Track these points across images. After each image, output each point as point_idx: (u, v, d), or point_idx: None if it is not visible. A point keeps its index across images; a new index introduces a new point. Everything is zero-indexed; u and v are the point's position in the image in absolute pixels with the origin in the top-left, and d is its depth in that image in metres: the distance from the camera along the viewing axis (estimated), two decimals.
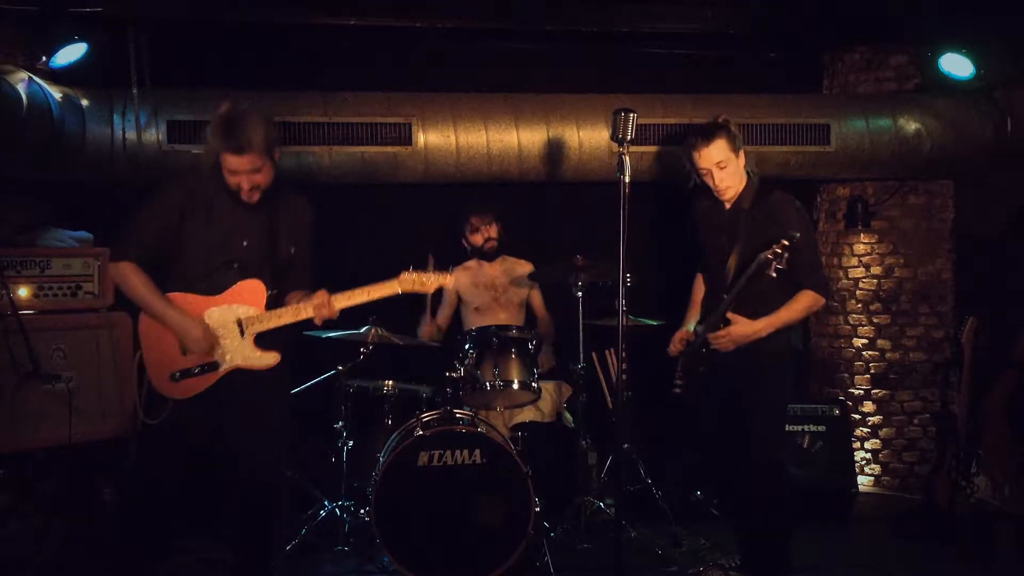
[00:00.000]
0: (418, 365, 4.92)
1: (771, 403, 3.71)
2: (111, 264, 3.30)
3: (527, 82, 5.24)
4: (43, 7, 4.29)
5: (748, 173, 3.72)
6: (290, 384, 3.58)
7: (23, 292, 4.04)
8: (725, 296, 3.57)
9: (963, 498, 4.50)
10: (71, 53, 4.44)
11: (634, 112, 3.23)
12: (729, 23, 5.02)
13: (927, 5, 4.84)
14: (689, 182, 3.81)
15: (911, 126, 5.15)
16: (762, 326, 3.54)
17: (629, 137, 3.22)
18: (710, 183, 3.67)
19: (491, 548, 3.90)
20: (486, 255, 4.95)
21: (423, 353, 4.86)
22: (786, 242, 3.35)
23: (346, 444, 4.42)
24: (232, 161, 3.18)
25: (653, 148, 4.98)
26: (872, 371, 5.69)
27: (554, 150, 4.93)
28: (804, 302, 3.59)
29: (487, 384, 4.24)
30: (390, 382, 4.49)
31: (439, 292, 4.99)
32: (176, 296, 3.25)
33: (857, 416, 5.68)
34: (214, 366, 3.23)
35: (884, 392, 5.67)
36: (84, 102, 4.49)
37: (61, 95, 4.34)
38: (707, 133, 3.63)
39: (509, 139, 4.90)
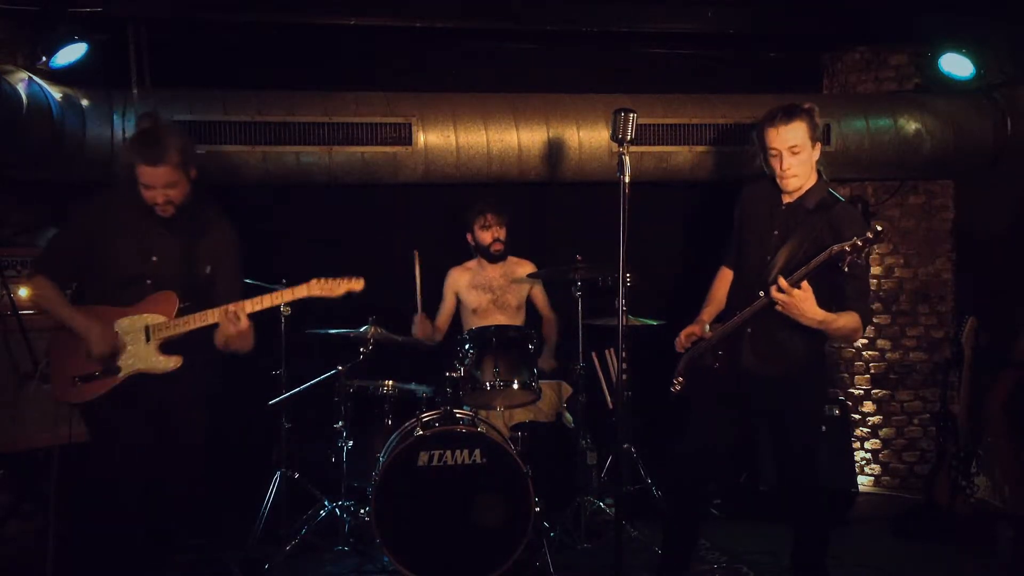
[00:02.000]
0: (418, 365, 4.92)
1: (813, 416, 3.56)
2: (27, 278, 3.48)
3: (527, 82, 5.24)
4: (43, 7, 4.29)
5: (820, 172, 3.45)
6: (207, 388, 3.61)
7: (23, 292, 4.04)
8: (763, 292, 3.28)
9: (963, 498, 4.51)
10: (71, 53, 4.44)
11: (634, 112, 3.18)
12: (729, 23, 5.02)
13: (927, 5, 4.85)
14: (755, 160, 3.54)
15: (911, 126, 5.15)
16: (821, 317, 3.19)
17: (629, 137, 3.18)
18: (776, 167, 3.39)
19: (491, 548, 3.90)
20: (490, 256, 4.93)
21: (423, 353, 4.86)
22: (870, 235, 3.03)
23: (346, 444, 4.42)
24: (147, 173, 3.28)
25: (655, 148, 4.98)
26: (872, 371, 5.69)
27: (554, 150, 4.93)
28: (851, 322, 3.26)
29: (487, 384, 4.23)
30: (390, 382, 4.48)
31: (439, 290, 5.01)
32: (90, 308, 3.38)
33: (857, 416, 5.68)
34: (115, 370, 3.34)
35: (884, 392, 5.68)
36: (84, 102, 4.48)
37: (61, 95, 4.33)
38: (790, 111, 3.35)
39: (509, 139, 4.90)
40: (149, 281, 3.39)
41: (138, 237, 3.39)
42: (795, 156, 3.35)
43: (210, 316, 3.35)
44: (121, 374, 3.35)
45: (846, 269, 3.12)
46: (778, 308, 3.21)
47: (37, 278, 3.41)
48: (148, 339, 3.36)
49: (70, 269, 3.45)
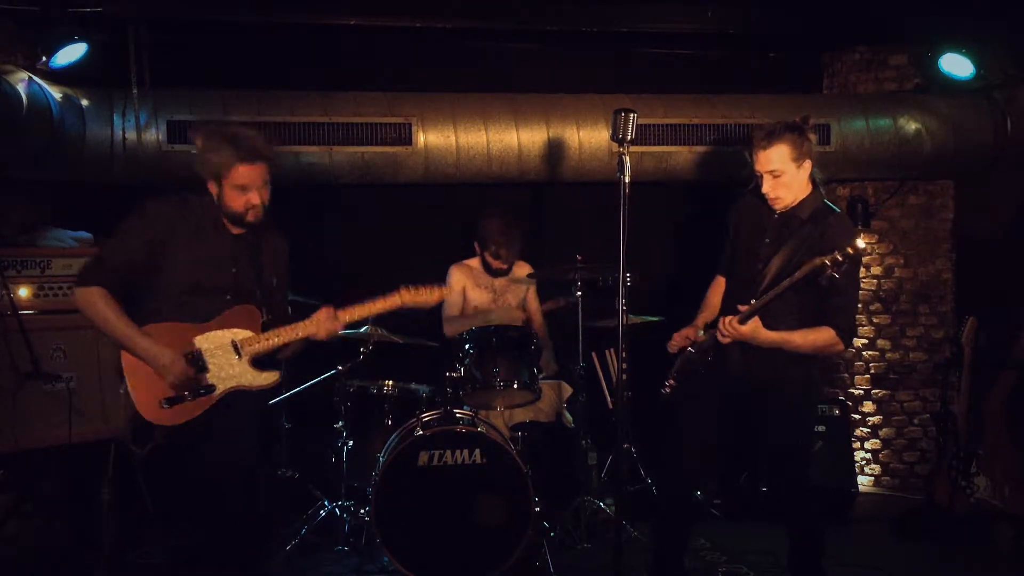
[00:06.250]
0: (418, 365, 4.92)
1: (803, 418, 3.53)
2: (77, 288, 3.05)
3: (527, 82, 5.24)
4: (43, 7, 4.29)
5: (816, 183, 3.40)
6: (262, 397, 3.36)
7: (23, 292, 4.05)
8: (754, 300, 3.29)
9: (963, 498, 4.51)
10: (71, 53, 4.44)
11: (634, 112, 3.18)
12: (729, 23, 5.02)
13: (927, 5, 4.85)
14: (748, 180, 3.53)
15: (911, 126, 5.15)
16: (771, 338, 3.27)
17: (629, 137, 3.18)
18: (762, 186, 3.38)
19: (491, 548, 3.90)
20: (492, 273, 4.92)
21: (423, 353, 4.86)
22: (851, 250, 3.04)
23: (346, 444, 4.42)
24: (244, 173, 3.07)
25: (655, 148, 4.98)
26: (872, 371, 5.69)
27: (554, 150, 4.93)
28: (823, 337, 3.27)
29: (487, 384, 4.23)
30: (390, 382, 4.48)
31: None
32: (159, 326, 3.06)
33: (857, 416, 5.68)
34: (209, 388, 3.09)
35: (884, 392, 5.68)
36: (84, 102, 4.49)
37: (61, 95, 4.34)
38: (771, 132, 3.31)
39: (509, 139, 4.90)
40: (229, 296, 3.14)
41: (214, 248, 3.14)
42: (776, 179, 3.32)
43: (300, 329, 3.19)
44: (217, 392, 3.10)
45: (823, 283, 3.12)
46: (724, 341, 3.33)
47: (92, 290, 3.01)
48: (239, 354, 3.13)
49: (129, 281, 3.08)
